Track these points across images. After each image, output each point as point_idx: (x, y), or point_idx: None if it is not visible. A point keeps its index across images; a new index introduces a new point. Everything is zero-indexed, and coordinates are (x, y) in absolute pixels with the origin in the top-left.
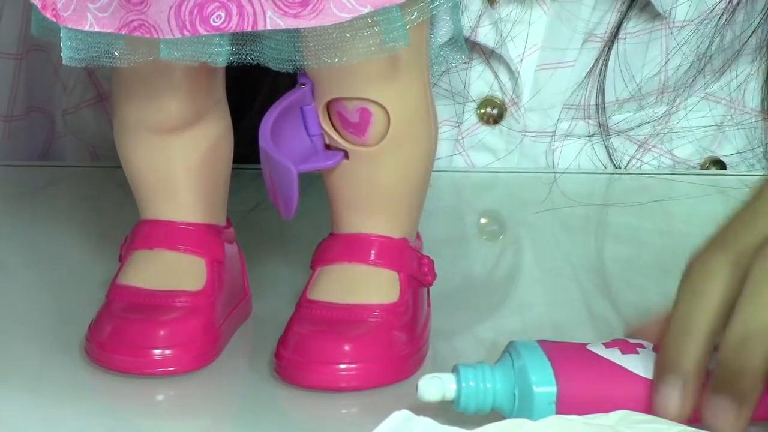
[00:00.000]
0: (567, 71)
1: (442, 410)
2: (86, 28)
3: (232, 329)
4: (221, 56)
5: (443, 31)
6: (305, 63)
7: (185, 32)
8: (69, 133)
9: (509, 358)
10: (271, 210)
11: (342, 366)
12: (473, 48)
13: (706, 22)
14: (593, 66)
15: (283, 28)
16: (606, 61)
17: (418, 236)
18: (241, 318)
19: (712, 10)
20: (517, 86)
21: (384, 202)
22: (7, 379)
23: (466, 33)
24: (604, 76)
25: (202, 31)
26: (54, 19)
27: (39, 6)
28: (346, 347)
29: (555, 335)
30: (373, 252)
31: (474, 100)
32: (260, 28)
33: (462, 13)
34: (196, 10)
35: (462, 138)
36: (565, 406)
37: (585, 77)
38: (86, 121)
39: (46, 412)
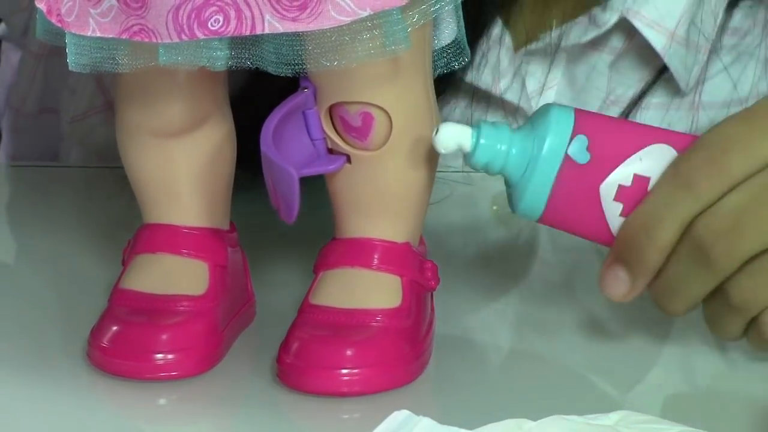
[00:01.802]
0: None
1: (442, 410)
2: (89, 34)
3: (235, 333)
4: (220, 60)
5: (446, 33)
6: (305, 67)
7: (183, 36)
8: (75, 140)
9: (532, 124)
10: (274, 214)
11: (344, 371)
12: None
13: (733, 105)
14: None
15: (282, 32)
16: None
17: (421, 241)
18: (244, 322)
19: (743, 99)
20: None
21: (387, 206)
22: (8, 384)
23: (488, 87)
24: None
25: (200, 35)
26: (59, 25)
27: (44, 10)
28: (348, 352)
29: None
30: (375, 256)
31: None
32: (258, 31)
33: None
34: (194, 14)
35: None
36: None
37: None
38: (94, 129)
39: (48, 417)
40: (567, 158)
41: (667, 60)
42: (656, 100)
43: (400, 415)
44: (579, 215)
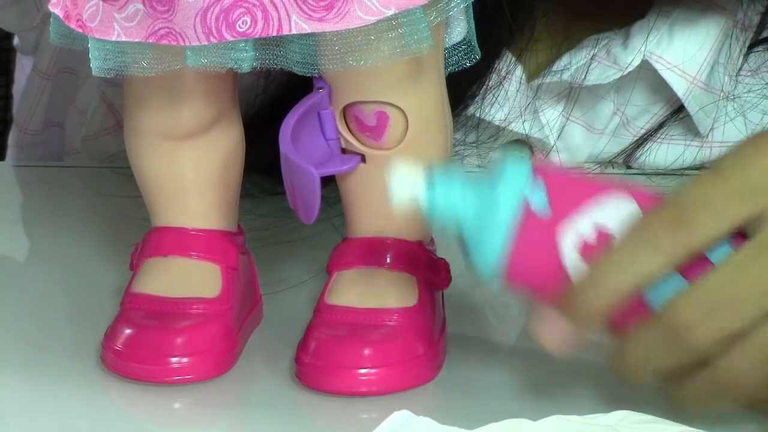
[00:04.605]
0: (594, 136)
1: (444, 410)
2: (114, 38)
3: (246, 336)
4: (246, 61)
5: (457, 31)
6: (330, 66)
7: (212, 39)
8: (86, 154)
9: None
10: (283, 214)
11: (362, 371)
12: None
13: None
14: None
15: (308, 33)
16: (631, 154)
17: (431, 240)
18: (253, 324)
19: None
20: (544, 143)
21: None
22: (20, 388)
23: (499, 121)
24: (630, 159)
25: (229, 37)
26: (80, 30)
27: (62, 16)
28: (367, 352)
29: None
30: (389, 256)
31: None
32: (285, 32)
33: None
34: (222, 17)
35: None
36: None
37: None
38: (106, 148)
39: (62, 421)
40: (523, 204)
41: (687, 105)
42: (671, 134)
43: (400, 416)
44: (537, 266)
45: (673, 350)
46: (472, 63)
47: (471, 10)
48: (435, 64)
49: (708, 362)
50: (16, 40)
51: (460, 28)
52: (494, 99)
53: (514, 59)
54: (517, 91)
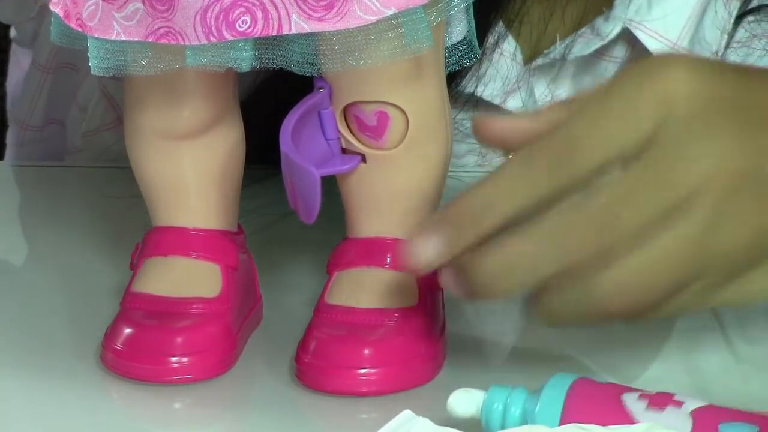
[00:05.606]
0: None
1: (443, 411)
2: (113, 37)
3: (246, 336)
4: (245, 61)
5: (458, 31)
6: (330, 66)
7: (211, 38)
8: (87, 151)
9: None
10: (282, 213)
11: (362, 371)
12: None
13: None
14: None
15: (308, 32)
16: None
17: None
18: (254, 324)
19: None
20: None
21: (401, 206)
22: (20, 387)
23: (496, 100)
24: None
25: (229, 37)
26: (80, 29)
27: (62, 15)
28: (366, 351)
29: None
30: (389, 256)
31: None
32: (285, 32)
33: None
34: (221, 16)
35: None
36: None
37: None
38: (106, 143)
39: (62, 421)
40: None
41: None
42: None
43: (403, 415)
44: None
45: (550, 259)
46: (473, 62)
47: (471, 10)
48: (435, 64)
49: (583, 274)
50: (13, 32)
51: (461, 28)
52: (492, 69)
53: (506, 31)
54: (513, 70)
